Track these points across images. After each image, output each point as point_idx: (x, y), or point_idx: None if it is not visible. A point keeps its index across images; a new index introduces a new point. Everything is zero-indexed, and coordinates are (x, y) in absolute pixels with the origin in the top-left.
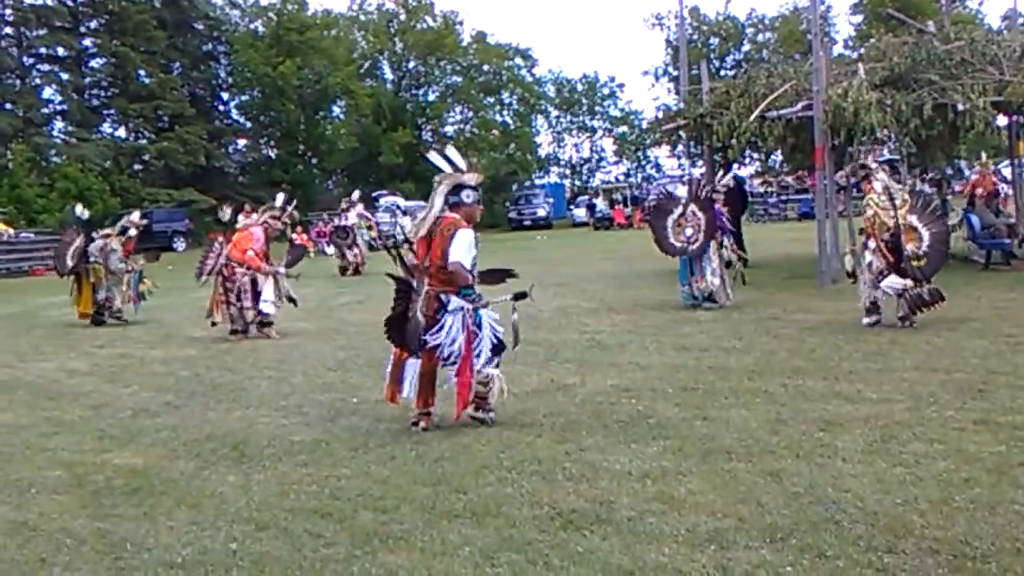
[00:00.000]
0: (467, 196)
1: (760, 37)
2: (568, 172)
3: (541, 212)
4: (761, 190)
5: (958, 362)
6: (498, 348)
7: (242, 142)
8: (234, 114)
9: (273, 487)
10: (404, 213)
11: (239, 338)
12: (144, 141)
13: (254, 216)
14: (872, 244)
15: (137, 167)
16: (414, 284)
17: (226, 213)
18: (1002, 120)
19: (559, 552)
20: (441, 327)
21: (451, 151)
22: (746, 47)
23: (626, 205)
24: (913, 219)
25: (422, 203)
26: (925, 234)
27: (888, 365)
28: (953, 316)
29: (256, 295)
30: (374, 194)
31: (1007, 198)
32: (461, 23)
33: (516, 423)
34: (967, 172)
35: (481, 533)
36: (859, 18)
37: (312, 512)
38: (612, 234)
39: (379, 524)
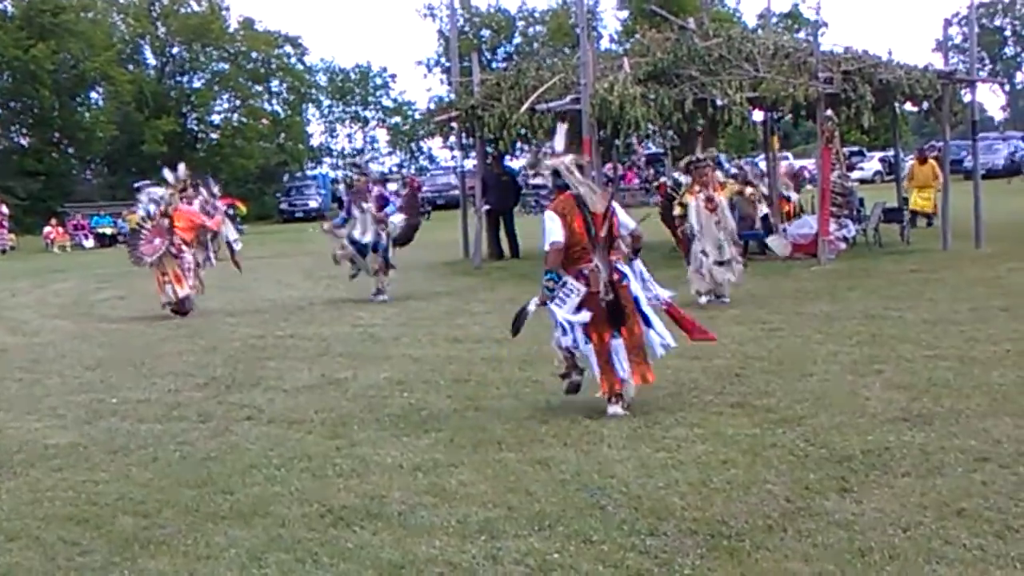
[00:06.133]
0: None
1: (531, 30)
2: (340, 162)
3: (313, 203)
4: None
5: (717, 348)
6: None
7: None
8: None
9: (24, 495)
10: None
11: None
12: None
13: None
14: None
15: None
16: None
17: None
18: (758, 115)
19: (329, 550)
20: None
21: (561, 129)
22: (517, 40)
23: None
24: None
25: None
26: None
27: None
28: (713, 304)
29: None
30: (136, 184)
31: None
32: (227, 9)
33: (286, 420)
34: (727, 166)
35: (248, 534)
36: (625, 14)
37: (67, 519)
38: None
39: (139, 529)
